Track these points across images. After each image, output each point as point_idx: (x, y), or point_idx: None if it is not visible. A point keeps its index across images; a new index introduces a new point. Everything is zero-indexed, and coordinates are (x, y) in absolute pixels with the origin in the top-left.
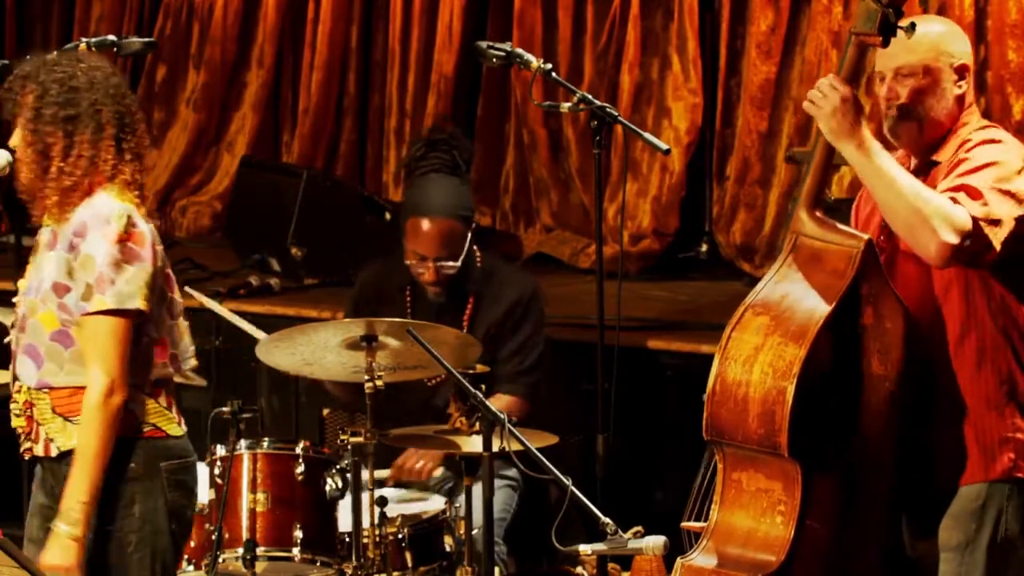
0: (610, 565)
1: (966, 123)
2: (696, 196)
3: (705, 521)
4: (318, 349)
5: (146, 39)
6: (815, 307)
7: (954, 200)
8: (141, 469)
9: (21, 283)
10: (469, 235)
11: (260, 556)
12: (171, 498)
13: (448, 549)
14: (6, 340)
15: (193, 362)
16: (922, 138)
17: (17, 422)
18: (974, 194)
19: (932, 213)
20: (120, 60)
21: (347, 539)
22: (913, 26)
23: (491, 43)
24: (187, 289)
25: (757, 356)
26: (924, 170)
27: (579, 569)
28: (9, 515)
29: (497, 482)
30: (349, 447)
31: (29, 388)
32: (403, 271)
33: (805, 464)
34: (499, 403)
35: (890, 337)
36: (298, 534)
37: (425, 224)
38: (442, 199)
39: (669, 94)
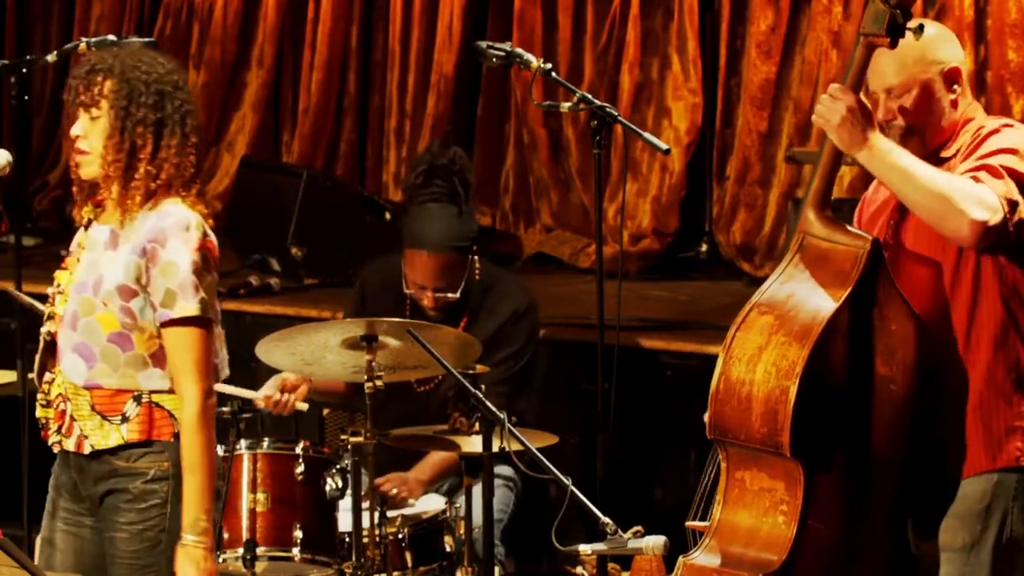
0: (610, 565)
1: (972, 117)
2: (696, 196)
3: (708, 520)
4: (318, 349)
5: (146, 39)
6: (820, 307)
7: (976, 179)
8: (175, 470)
9: (60, 275)
10: (469, 261)
11: (260, 556)
12: None
13: (448, 549)
14: (42, 331)
15: (227, 371)
16: (927, 148)
17: (44, 412)
18: (996, 173)
19: (958, 196)
20: None
21: (347, 539)
22: (921, 28)
23: (491, 43)
24: None
25: (761, 355)
26: (936, 165)
27: (579, 569)
28: (9, 515)
29: None
30: (349, 447)
31: (73, 384)
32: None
33: (807, 464)
34: None
35: (895, 338)
36: (298, 534)
37: (423, 257)
38: (441, 233)
39: (669, 94)
